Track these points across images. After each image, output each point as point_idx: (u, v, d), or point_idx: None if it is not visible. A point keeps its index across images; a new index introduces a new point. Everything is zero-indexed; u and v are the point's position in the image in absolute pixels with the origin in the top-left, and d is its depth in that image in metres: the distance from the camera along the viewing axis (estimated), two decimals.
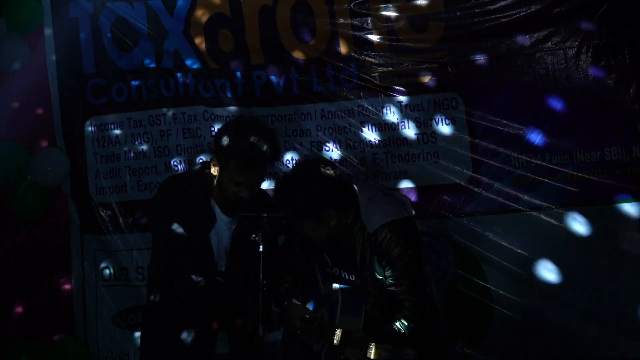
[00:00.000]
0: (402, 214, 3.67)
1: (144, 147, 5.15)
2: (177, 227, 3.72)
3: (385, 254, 3.57)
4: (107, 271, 5.25)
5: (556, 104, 4.53)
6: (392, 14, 4.70)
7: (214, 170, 3.75)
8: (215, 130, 4.83)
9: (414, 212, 3.79)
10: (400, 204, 3.74)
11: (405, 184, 4.75)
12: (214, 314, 3.75)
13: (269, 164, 3.83)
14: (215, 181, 3.78)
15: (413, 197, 4.66)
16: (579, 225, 4.45)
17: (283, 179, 3.72)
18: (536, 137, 4.54)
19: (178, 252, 3.72)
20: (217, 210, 3.80)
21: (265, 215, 3.48)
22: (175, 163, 5.09)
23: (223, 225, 3.81)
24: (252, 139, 3.65)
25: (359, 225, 3.65)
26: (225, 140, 3.69)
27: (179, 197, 3.77)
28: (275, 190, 3.73)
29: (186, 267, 3.71)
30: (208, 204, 3.79)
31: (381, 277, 3.61)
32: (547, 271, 4.49)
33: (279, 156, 3.90)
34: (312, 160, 4.44)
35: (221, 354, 3.83)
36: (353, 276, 3.71)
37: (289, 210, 3.57)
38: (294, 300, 3.81)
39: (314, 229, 3.64)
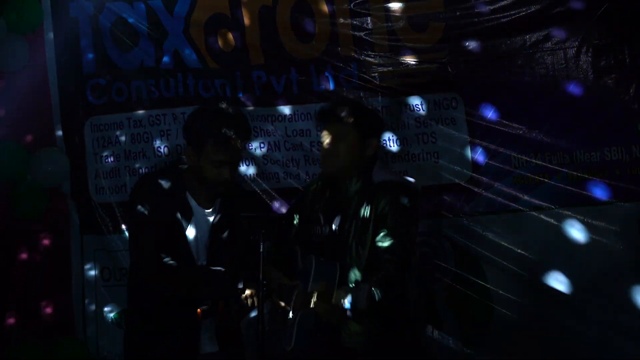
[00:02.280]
0: (410, 183, 3.70)
1: (144, 147, 5.16)
2: (155, 224, 3.71)
3: (382, 208, 3.55)
4: (107, 271, 5.25)
5: (556, 104, 4.54)
6: (392, 14, 4.70)
7: (191, 161, 3.74)
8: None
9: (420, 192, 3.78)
10: (410, 181, 3.77)
11: None
12: (196, 301, 3.73)
13: (244, 142, 3.80)
14: (191, 173, 3.76)
15: None
16: (579, 225, 4.45)
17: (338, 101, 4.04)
18: (536, 138, 4.54)
19: (157, 249, 3.70)
20: (194, 203, 3.78)
21: (265, 215, 3.46)
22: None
23: (201, 219, 3.80)
24: (222, 117, 3.65)
25: (360, 186, 3.64)
26: (197, 125, 3.68)
27: (154, 193, 3.75)
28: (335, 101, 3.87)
29: (166, 263, 3.69)
30: (184, 198, 3.78)
31: (368, 233, 3.58)
32: (547, 271, 4.49)
33: (251, 133, 3.89)
34: None
35: (209, 352, 3.81)
36: (337, 230, 3.66)
37: (352, 113, 3.64)
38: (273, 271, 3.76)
39: (350, 150, 3.63)
